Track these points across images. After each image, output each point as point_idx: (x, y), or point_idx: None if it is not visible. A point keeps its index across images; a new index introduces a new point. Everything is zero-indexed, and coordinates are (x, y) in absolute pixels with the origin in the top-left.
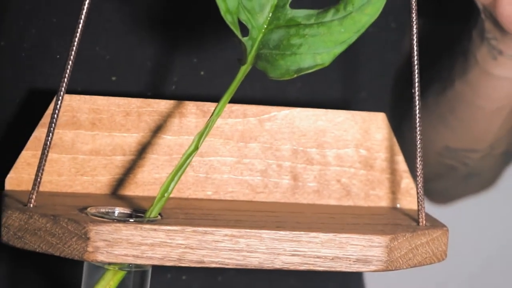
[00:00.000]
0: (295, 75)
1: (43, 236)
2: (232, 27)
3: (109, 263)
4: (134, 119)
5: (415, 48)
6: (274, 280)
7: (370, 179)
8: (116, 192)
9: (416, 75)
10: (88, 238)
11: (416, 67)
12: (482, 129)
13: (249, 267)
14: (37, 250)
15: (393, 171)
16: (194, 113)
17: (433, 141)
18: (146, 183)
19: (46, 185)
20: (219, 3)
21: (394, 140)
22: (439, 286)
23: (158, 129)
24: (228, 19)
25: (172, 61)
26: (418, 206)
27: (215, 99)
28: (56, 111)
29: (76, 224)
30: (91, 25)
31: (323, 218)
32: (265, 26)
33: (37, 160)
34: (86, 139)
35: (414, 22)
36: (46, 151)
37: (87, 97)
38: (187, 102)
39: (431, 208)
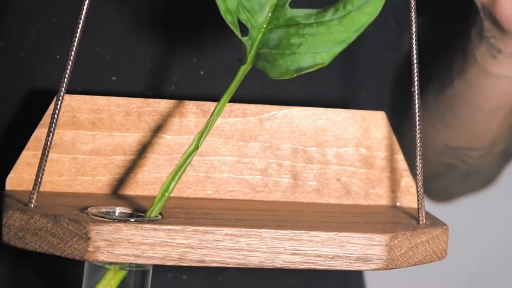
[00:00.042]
0: (295, 75)
1: (44, 236)
2: (232, 27)
3: (110, 263)
4: (134, 119)
5: (414, 47)
6: (274, 279)
7: (370, 178)
8: (116, 192)
9: (416, 74)
10: (89, 238)
11: (415, 66)
12: (481, 128)
13: (249, 266)
14: (38, 250)
15: (393, 169)
16: (194, 113)
17: (432, 139)
18: (146, 182)
19: (47, 185)
20: (219, 3)
21: (394, 138)
22: (439, 284)
23: (158, 129)
24: (228, 19)
25: (172, 61)
26: (418, 204)
27: (215, 98)
28: (56, 111)
29: (77, 224)
30: (91, 25)
31: (323, 217)
32: (265, 26)
33: (38, 160)
34: (86, 139)
35: (413, 21)
36: (46, 151)
37: (87, 97)
38: (187, 102)
39: (431, 207)
